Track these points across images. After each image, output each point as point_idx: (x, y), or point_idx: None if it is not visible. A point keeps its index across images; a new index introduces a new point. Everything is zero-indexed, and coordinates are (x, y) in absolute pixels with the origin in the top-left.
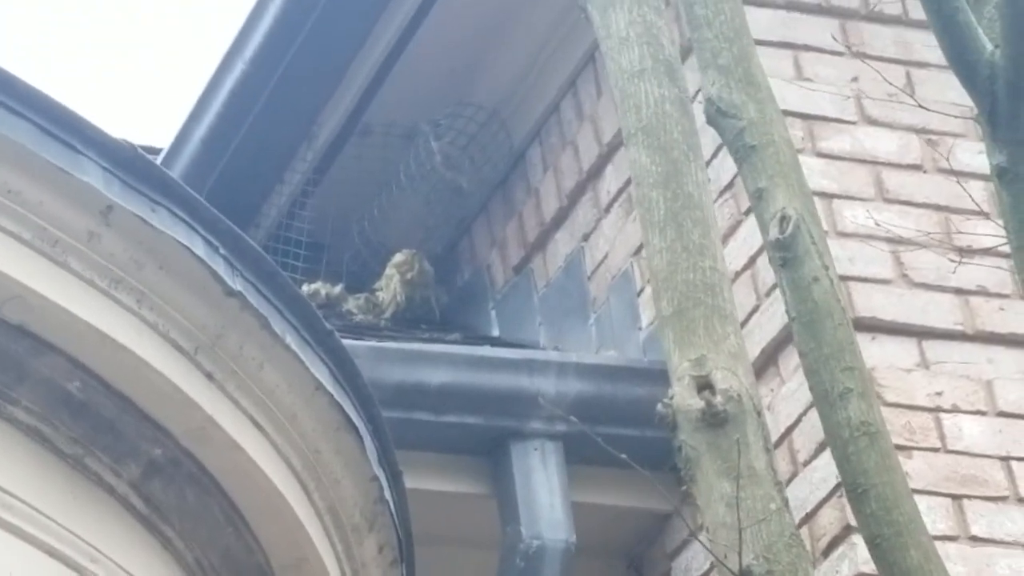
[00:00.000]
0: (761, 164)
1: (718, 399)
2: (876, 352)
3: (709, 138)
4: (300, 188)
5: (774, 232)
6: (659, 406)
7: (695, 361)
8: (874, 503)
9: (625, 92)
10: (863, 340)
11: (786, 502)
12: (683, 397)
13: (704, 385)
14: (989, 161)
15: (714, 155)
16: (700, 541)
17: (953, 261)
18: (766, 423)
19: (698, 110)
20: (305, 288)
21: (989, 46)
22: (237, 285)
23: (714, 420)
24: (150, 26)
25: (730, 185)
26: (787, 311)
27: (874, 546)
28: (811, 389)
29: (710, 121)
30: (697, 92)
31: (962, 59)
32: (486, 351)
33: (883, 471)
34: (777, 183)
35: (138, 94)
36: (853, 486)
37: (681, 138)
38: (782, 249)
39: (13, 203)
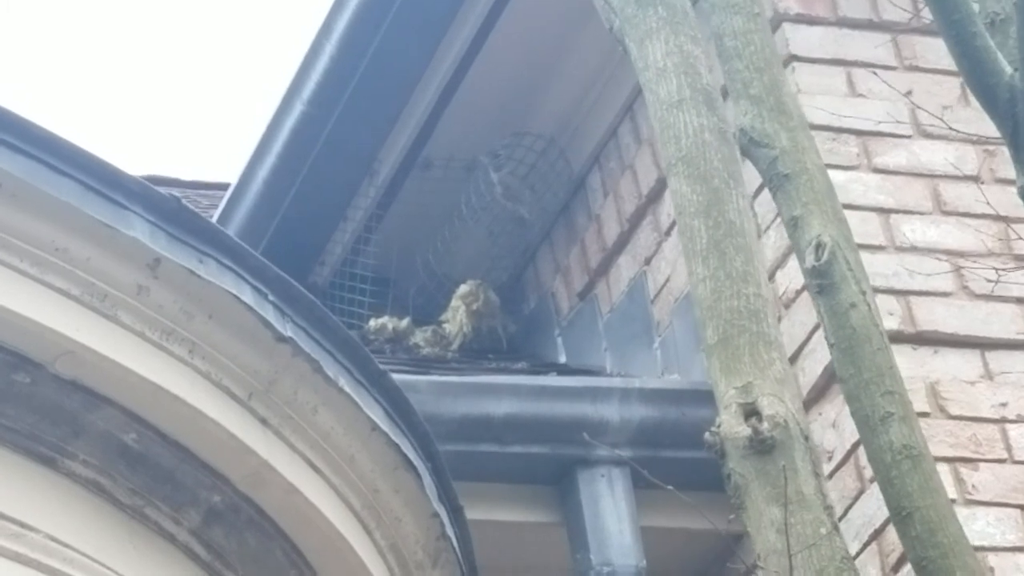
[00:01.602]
0: (795, 192)
1: (765, 426)
2: (939, 365)
3: None
4: (363, 224)
5: (810, 259)
6: (707, 434)
7: (741, 388)
8: (919, 525)
9: (664, 122)
10: (925, 353)
11: (836, 526)
12: (730, 425)
13: (751, 412)
14: (1016, 182)
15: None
16: (755, 572)
17: (1012, 270)
18: (815, 448)
19: None
20: (372, 323)
21: (1008, 69)
22: (288, 331)
23: (761, 447)
24: (213, 65)
25: None
26: (826, 337)
27: (920, 568)
28: (852, 414)
29: (744, 151)
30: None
31: (982, 83)
32: (549, 380)
33: (926, 493)
34: (812, 210)
35: (205, 131)
36: (897, 509)
37: (721, 166)
38: (819, 276)
39: (61, 260)
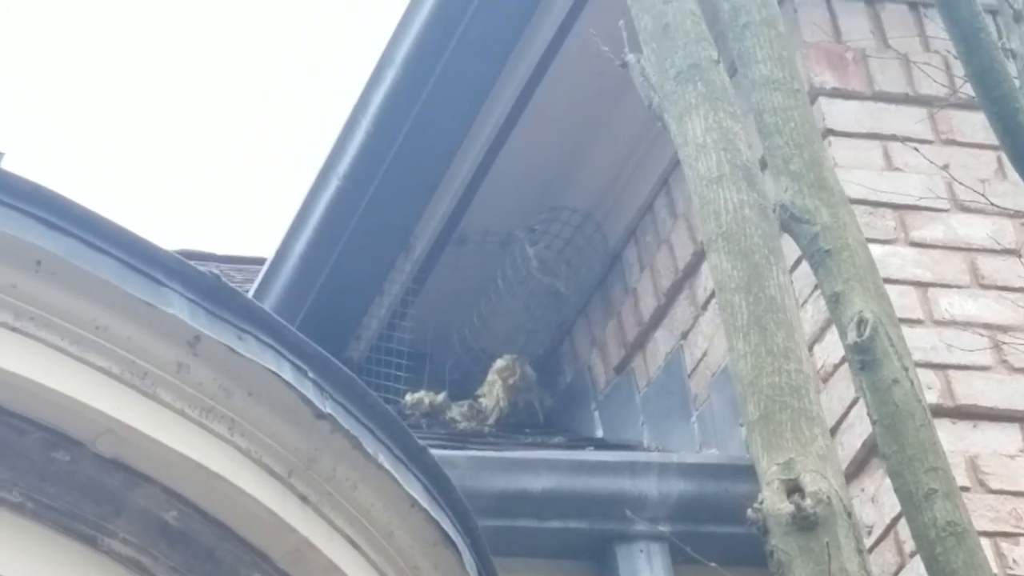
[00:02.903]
0: (837, 268)
1: (808, 502)
2: (979, 439)
3: None
4: (400, 298)
5: (852, 335)
6: (749, 511)
7: (784, 465)
8: None
9: (704, 198)
10: (965, 428)
11: None
12: (773, 501)
13: (793, 488)
14: None
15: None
16: None
17: None
18: (858, 524)
19: None
20: (408, 398)
21: None
22: (327, 408)
23: (804, 523)
24: (247, 140)
25: None
26: (869, 414)
27: None
28: (896, 491)
29: (784, 227)
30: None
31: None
32: (587, 455)
33: (971, 570)
34: (853, 286)
35: (239, 206)
36: None
37: (762, 242)
38: (861, 352)
39: (101, 338)
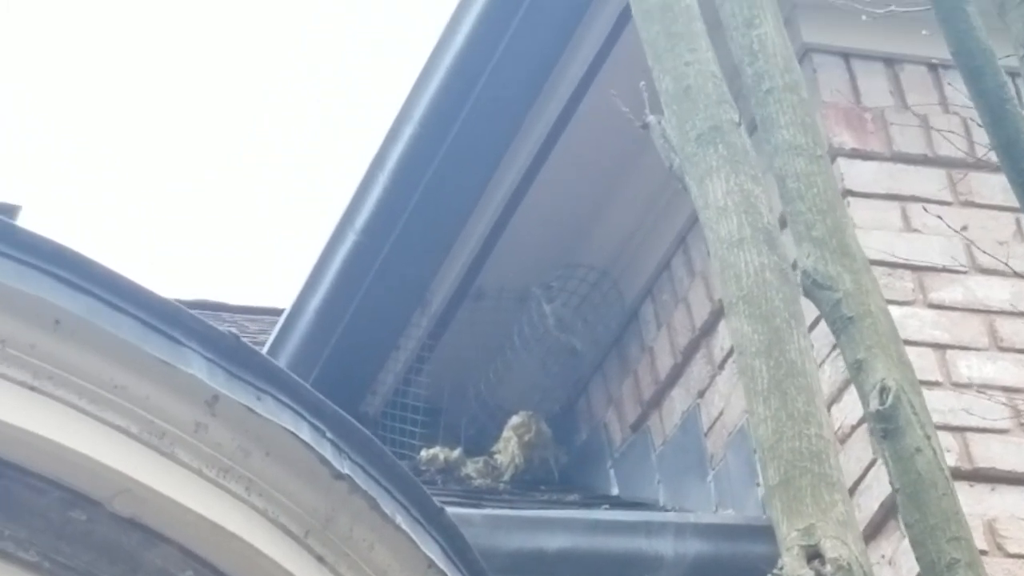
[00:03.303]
0: (859, 335)
1: (828, 568)
2: (996, 503)
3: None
4: (415, 354)
5: (874, 403)
6: None
7: (804, 530)
8: None
9: (725, 262)
10: (983, 491)
11: None
12: (792, 567)
13: (813, 555)
14: None
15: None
16: None
17: None
18: None
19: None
20: (423, 453)
21: None
22: (345, 468)
23: None
24: (260, 193)
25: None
26: (891, 482)
27: None
28: (918, 560)
29: (806, 293)
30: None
31: None
32: (602, 515)
33: None
34: (876, 354)
35: (251, 257)
36: None
37: (782, 306)
38: (883, 420)
39: (120, 398)
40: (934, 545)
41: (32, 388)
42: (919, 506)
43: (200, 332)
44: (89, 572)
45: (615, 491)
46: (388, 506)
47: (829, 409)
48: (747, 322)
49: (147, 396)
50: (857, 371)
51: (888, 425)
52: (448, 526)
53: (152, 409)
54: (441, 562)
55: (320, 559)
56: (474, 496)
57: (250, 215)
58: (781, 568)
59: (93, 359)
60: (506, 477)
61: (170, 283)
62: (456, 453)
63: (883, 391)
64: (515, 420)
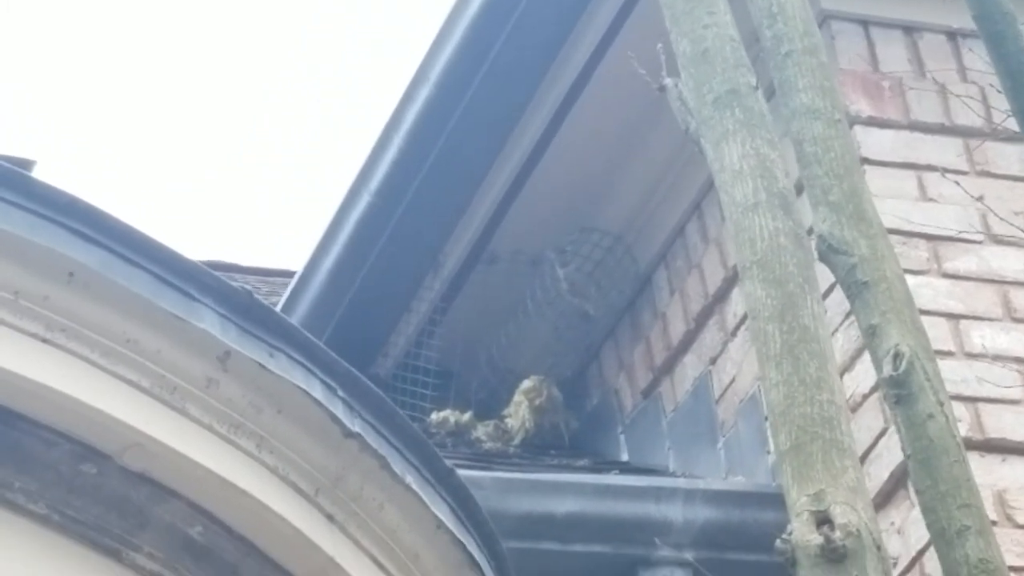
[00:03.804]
0: (873, 301)
1: (837, 534)
2: (1007, 473)
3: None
4: (427, 317)
5: (888, 369)
6: (778, 541)
7: (813, 496)
8: None
9: (739, 225)
10: (993, 462)
11: None
12: (802, 533)
13: (823, 520)
14: None
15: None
16: None
17: None
18: (887, 557)
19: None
20: (434, 416)
21: None
22: (356, 427)
23: (833, 555)
24: (276, 154)
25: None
26: (903, 448)
27: None
28: (928, 527)
29: (822, 258)
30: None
31: None
32: (612, 479)
33: None
34: (890, 319)
35: (264, 218)
36: None
37: (796, 271)
38: (896, 386)
39: (132, 352)
40: (944, 512)
41: (44, 340)
42: (930, 472)
43: (214, 288)
44: (98, 526)
45: (625, 457)
46: (398, 466)
47: (841, 378)
48: (761, 286)
49: (159, 351)
50: (871, 336)
51: (901, 391)
52: (458, 487)
53: (164, 364)
54: (450, 523)
55: (329, 517)
56: (484, 459)
57: (264, 177)
58: (790, 534)
59: (106, 312)
60: (516, 441)
61: (182, 244)
62: (467, 416)
63: (897, 357)
64: (526, 384)
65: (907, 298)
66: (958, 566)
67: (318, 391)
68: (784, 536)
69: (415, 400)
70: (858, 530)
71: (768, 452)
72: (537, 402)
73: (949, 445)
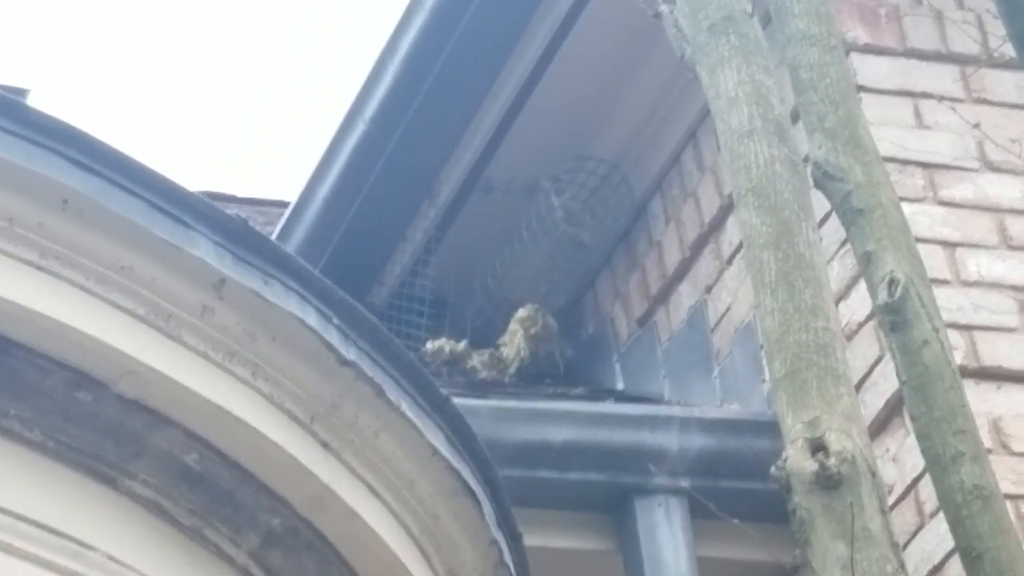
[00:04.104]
0: (869, 227)
1: (832, 461)
2: (1002, 401)
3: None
4: (423, 245)
5: (883, 295)
6: (773, 468)
7: (808, 423)
8: (989, 567)
9: (735, 152)
10: (989, 389)
11: (903, 564)
12: (797, 459)
13: (818, 447)
14: None
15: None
16: None
17: None
18: (882, 484)
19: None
20: (429, 345)
21: None
22: (351, 355)
23: (828, 482)
24: (270, 84)
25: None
26: (898, 374)
27: None
28: (923, 453)
29: (817, 185)
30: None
31: None
32: (608, 408)
33: (997, 534)
34: (885, 246)
35: (259, 148)
36: (967, 550)
37: (792, 198)
38: (891, 313)
39: (127, 279)
40: (939, 438)
41: (39, 267)
42: (925, 399)
43: (208, 215)
44: (94, 453)
45: (620, 385)
46: (393, 393)
47: (836, 306)
48: (756, 214)
49: (154, 278)
50: (866, 263)
51: (896, 317)
52: (453, 415)
53: (159, 291)
54: (445, 450)
55: (325, 445)
56: (479, 389)
57: (259, 107)
58: (785, 460)
59: (100, 240)
60: (512, 370)
61: (177, 175)
62: (462, 345)
63: (892, 283)
64: (521, 313)
65: (903, 225)
66: (953, 492)
67: (313, 319)
68: (779, 463)
69: (410, 329)
70: (853, 457)
71: (763, 380)
72: (532, 331)
73: (944, 371)
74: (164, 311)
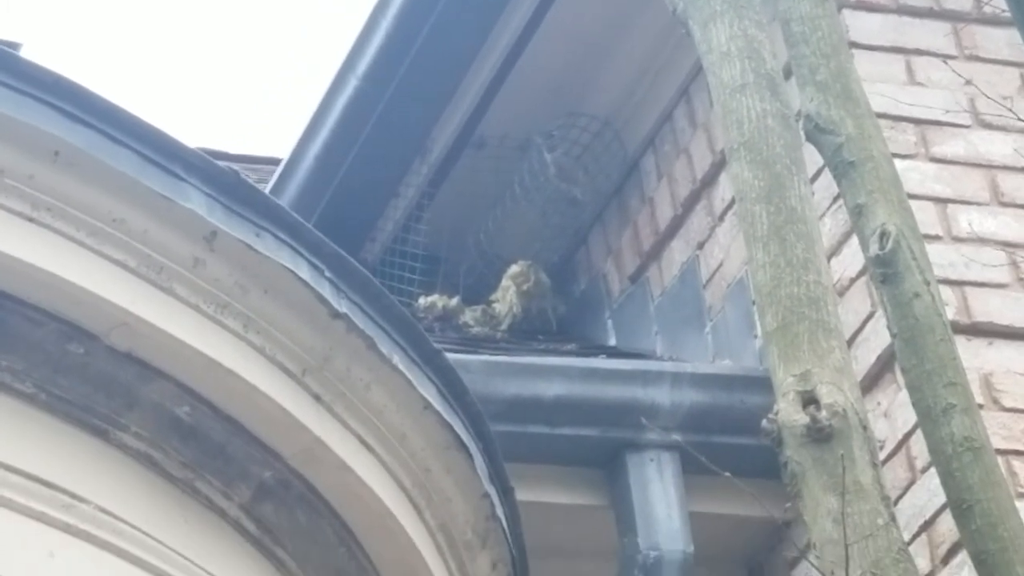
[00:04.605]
0: (860, 180)
1: (823, 414)
2: (993, 357)
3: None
4: (415, 202)
5: (874, 248)
6: (764, 422)
7: (800, 376)
8: (979, 519)
9: (727, 107)
10: (980, 345)
11: (893, 517)
12: (788, 413)
13: (809, 400)
14: None
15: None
16: (808, 560)
17: None
18: (873, 437)
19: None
20: (422, 301)
21: None
22: (343, 307)
23: (819, 435)
24: (263, 41)
25: None
26: (888, 327)
27: (980, 562)
28: (914, 405)
29: (809, 138)
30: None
31: None
32: (600, 363)
33: (987, 486)
34: (876, 199)
35: (253, 105)
36: (958, 502)
37: (784, 152)
38: (882, 265)
39: (118, 231)
40: (930, 390)
41: (30, 219)
42: (916, 351)
43: (200, 168)
44: (86, 405)
45: (612, 342)
46: (385, 346)
47: (828, 261)
48: (748, 168)
49: (145, 230)
50: (858, 216)
51: (887, 270)
52: (445, 368)
53: (150, 243)
54: (437, 404)
55: (317, 398)
56: (472, 344)
57: (251, 64)
58: (776, 413)
59: (92, 192)
60: (504, 326)
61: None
62: (454, 301)
63: (883, 236)
64: (514, 269)
65: (894, 178)
66: (943, 444)
67: (305, 271)
68: (770, 416)
69: (403, 285)
70: (844, 410)
71: (755, 336)
72: (525, 287)
73: (935, 324)
74: (156, 263)
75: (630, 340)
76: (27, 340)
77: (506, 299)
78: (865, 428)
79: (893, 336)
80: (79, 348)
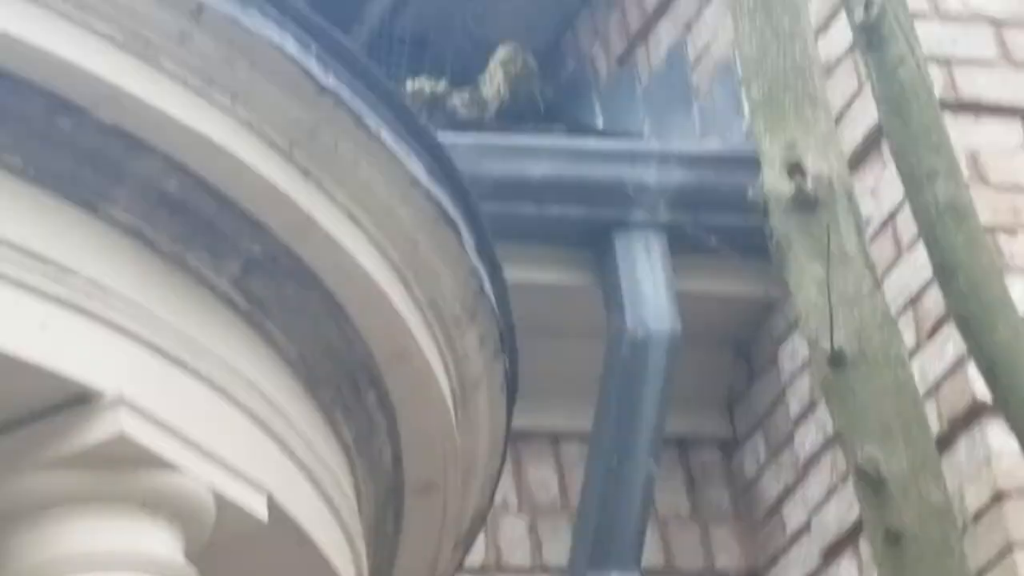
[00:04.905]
0: None
1: (809, 182)
2: (980, 133)
3: None
4: None
5: (859, 14)
6: (750, 191)
7: (785, 145)
8: (962, 281)
9: None
10: (967, 121)
11: (878, 284)
12: (774, 181)
13: (795, 169)
14: None
15: None
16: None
17: None
18: (858, 206)
19: None
20: (409, 85)
21: None
22: (330, 82)
23: (805, 203)
24: None
25: None
26: (874, 94)
27: (963, 323)
28: (899, 171)
29: None
30: None
31: None
32: (587, 143)
33: (971, 250)
34: None
35: None
36: (941, 266)
37: None
38: (868, 32)
39: (105, 4)
40: (914, 155)
41: None
42: (902, 117)
43: None
44: (74, 179)
45: (600, 124)
46: (373, 121)
47: (816, 39)
48: None
49: (131, 3)
50: None
51: (873, 36)
52: (433, 144)
53: (137, 17)
54: (424, 179)
55: (305, 172)
56: (459, 127)
57: None
58: (762, 183)
59: None
60: (492, 110)
61: None
62: (442, 85)
63: (869, 2)
64: (501, 53)
65: None
66: (928, 208)
67: (291, 46)
68: (756, 185)
69: (390, 69)
70: (830, 179)
71: (742, 116)
72: (512, 71)
73: (920, 89)
74: (142, 37)
75: (618, 123)
76: (14, 113)
77: (493, 83)
78: (850, 197)
79: (879, 104)
80: (67, 122)
